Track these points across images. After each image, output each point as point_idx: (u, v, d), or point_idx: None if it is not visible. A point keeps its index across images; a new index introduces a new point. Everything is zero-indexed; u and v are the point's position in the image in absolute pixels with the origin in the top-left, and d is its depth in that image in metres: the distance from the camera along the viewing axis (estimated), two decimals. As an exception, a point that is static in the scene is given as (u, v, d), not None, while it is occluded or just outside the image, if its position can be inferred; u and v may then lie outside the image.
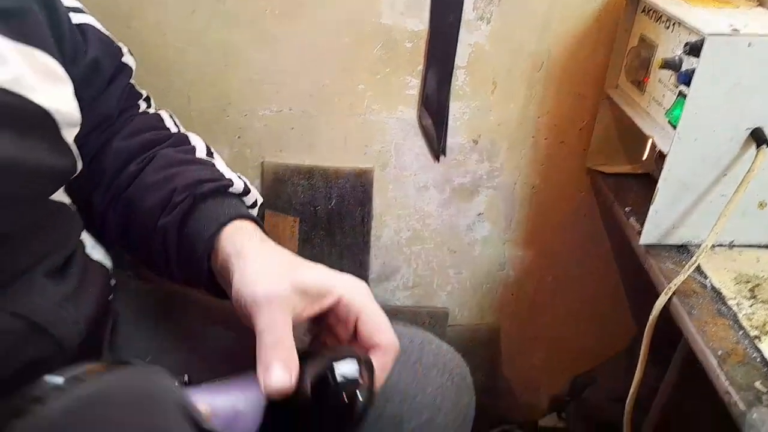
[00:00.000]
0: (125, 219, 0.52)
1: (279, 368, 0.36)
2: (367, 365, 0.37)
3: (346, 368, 0.36)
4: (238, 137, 0.92)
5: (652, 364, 0.85)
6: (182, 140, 0.55)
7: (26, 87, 0.40)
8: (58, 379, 0.18)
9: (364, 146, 0.92)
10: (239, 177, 0.54)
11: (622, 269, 1.06)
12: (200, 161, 0.54)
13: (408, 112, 0.89)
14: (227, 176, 0.52)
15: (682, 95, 0.64)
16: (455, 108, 0.87)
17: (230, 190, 0.51)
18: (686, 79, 0.62)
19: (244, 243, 0.45)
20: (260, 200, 0.56)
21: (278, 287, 0.39)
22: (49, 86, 0.42)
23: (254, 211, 0.54)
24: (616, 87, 0.82)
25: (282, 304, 0.39)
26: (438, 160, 0.93)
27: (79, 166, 0.49)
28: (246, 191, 0.53)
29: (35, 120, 0.41)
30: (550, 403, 1.28)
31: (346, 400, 0.35)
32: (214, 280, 0.48)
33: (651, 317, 0.67)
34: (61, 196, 0.49)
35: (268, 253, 0.45)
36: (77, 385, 0.18)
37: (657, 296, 0.68)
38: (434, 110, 0.87)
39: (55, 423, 0.17)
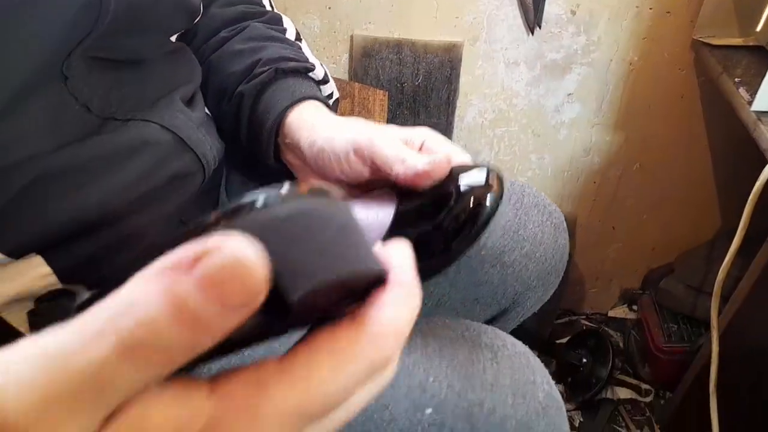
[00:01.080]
0: (206, 81, 0.54)
1: (428, 157, 0.36)
2: (496, 175, 0.37)
3: (475, 174, 0.36)
4: (329, 8, 0.92)
5: (738, 254, 0.83)
6: (276, 19, 0.56)
7: None
8: (273, 191, 0.19)
9: (455, 17, 0.90)
10: (321, 65, 0.54)
11: (716, 157, 1.03)
12: (288, 41, 0.54)
13: (505, -22, 0.85)
14: (311, 61, 0.52)
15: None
16: (556, -27, 0.84)
17: (311, 74, 0.52)
18: None
19: (317, 117, 0.45)
20: (336, 95, 0.57)
21: (377, 128, 0.40)
22: None
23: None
24: (738, -55, 0.76)
25: (390, 134, 0.39)
26: (532, 33, 0.90)
27: (200, 12, 0.51)
28: (325, 80, 0.54)
29: None
30: (621, 295, 1.29)
31: (473, 203, 0.35)
32: (279, 157, 0.48)
33: (760, 180, 0.66)
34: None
35: (344, 119, 0.45)
36: (296, 198, 0.19)
37: (761, 169, 0.66)
38: (533, -25, 0.83)
39: (275, 224, 0.18)
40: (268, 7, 0.58)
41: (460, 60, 0.95)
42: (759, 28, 0.82)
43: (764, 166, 0.67)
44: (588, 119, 1.00)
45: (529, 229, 0.55)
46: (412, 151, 0.37)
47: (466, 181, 0.36)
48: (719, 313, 0.82)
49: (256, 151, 0.49)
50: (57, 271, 0.36)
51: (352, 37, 0.94)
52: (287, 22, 0.57)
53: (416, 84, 0.98)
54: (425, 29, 0.92)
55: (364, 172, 0.40)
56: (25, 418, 0.14)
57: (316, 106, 0.47)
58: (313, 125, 0.45)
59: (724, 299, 0.96)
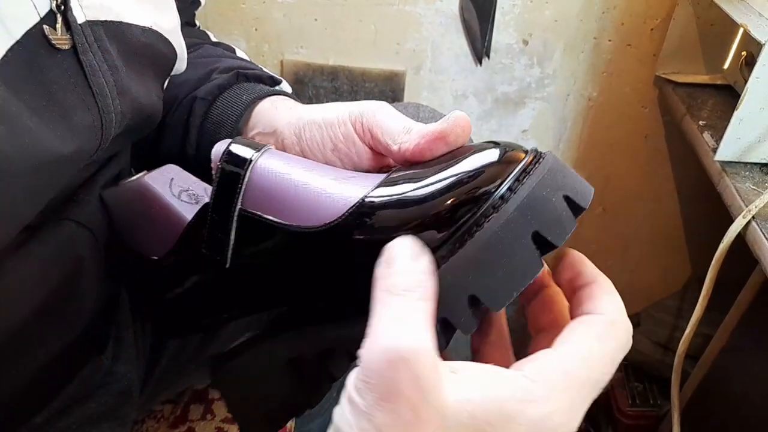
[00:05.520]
0: None
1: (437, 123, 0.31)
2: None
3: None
4: (255, 29, 0.82)
5: (707, 309, 0.74)
6: (230, 48, 0.54)
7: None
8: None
9: (396, 44, 0.81)
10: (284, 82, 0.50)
11: (683, 202, 0.94)
12: (246, 60, 0.51)
13: (449, 2, 0.77)
14: (277, 77, 0.49)
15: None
16: (504, -1, 0.75)
17: (277, 87, 0.46)
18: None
19: (297, 104, 0.42)
20: None
21: (381, 102, 0.36)
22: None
23: None
24: (702, -27, 0.68)
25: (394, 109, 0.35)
26: (480, 64, 0.81)
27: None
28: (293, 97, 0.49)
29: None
30: (586, 346, 1.19)
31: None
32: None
33: (723, 243, 0.57)
34: None
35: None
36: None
37: (730, 222, 0.58)
38: (479, 1, 0.75)
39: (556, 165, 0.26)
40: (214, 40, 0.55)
41: (403, 90, 0.86)
42: (726, 65, 0.74)
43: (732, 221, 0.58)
44: (545, 158, 0.91)
45: None
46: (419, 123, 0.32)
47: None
48: (681, 386, 0.73)
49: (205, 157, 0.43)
50: None
51: (282, 62, 0.84)
52: (240, 53, 0.53)
53: (356, 115, 0.88)
54: (363, 56, 0.83)
55: (360, 150, 0.34)
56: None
57: (293, 101, 0.42)
58: (294, 107, 0.40)
59: (694, 359, 0.87)
